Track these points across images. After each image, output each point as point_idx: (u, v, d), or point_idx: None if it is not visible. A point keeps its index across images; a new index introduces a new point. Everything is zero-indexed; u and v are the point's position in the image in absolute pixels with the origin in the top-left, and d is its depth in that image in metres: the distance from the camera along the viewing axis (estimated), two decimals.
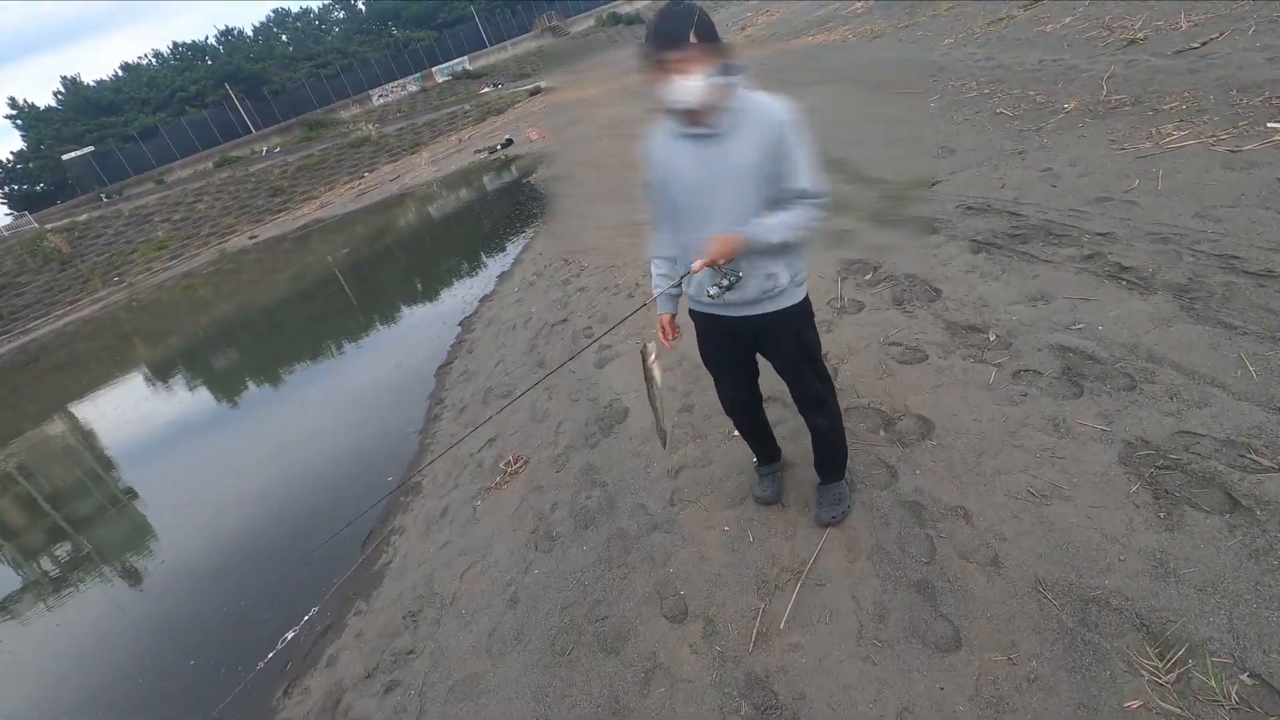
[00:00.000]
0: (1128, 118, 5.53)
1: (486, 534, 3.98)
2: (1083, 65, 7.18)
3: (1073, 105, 6.23)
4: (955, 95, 8.09)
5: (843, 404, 3.48)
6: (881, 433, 3.27)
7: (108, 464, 9.64)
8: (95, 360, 17.38)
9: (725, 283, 2.21)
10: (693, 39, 1.88)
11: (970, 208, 5.13)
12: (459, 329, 8.48)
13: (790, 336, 2.41)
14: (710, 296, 2.25)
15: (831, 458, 2.84)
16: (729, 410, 2.88)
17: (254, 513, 5.99)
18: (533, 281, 8.55)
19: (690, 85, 1.93)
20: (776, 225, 2.09)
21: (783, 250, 2.17)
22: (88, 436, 11.45)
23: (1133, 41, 7.18)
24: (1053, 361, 3.23)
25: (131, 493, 8.05)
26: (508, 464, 4.53)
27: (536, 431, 4.83)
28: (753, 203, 2.10)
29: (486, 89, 44.82)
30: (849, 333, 4.17)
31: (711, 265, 2.13)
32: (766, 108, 2.03)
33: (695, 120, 2.06)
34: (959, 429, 3.07)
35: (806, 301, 2.41)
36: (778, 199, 2.10)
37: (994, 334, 3.60)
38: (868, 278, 4.77)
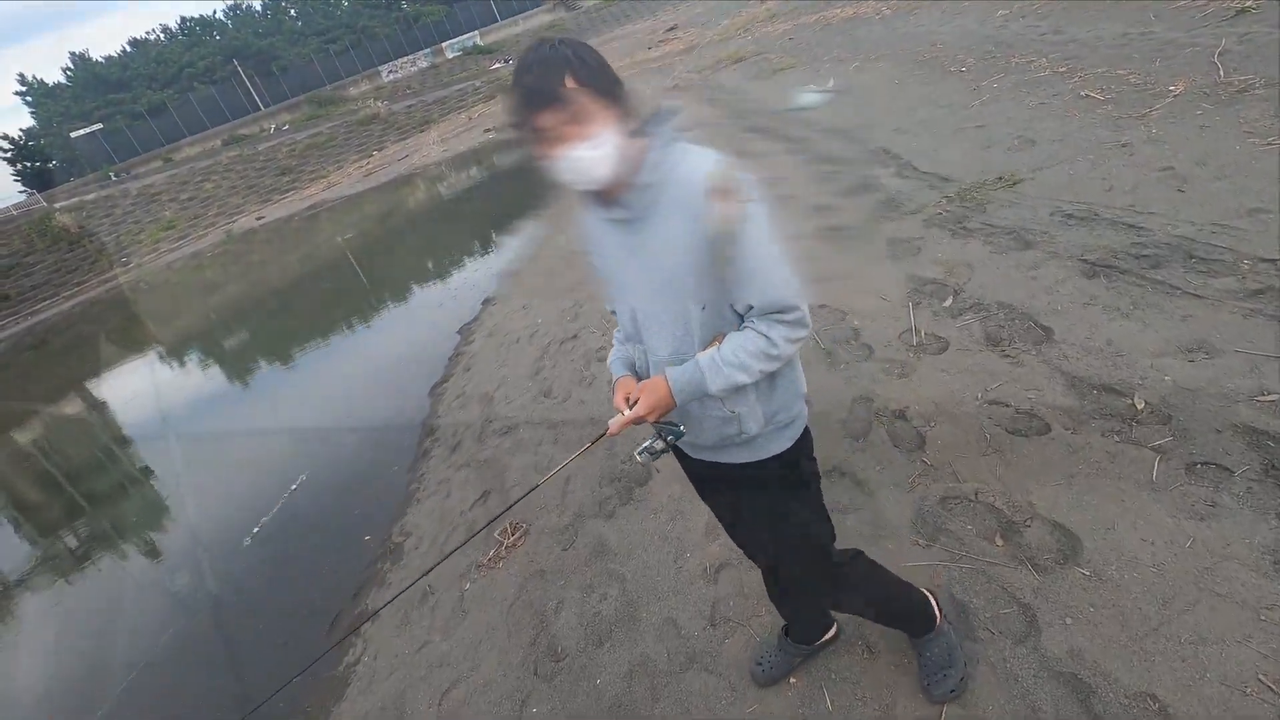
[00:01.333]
0: (1261, 103, 4.54)
1: (475, 636, 3.18)
2: (1181, 39, 6.14)
3: (1181, 88, 5.23)
4: (1021, 74, 7.07)
5: (938, 489, 2.63)
6: (999, 541, 2.41)
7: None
8: (101, 343, 16.83)
9: (659, 445, 1.57)
10: (570, 85, 1.27)
11: (1070, 216, 4.19)
12: (458, 337, 7.66)
13: (763, 506, 1.67)
14: (639, 461, 1.60)
15: (894, 625, 2.03)
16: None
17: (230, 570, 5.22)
18: (540, 284, 7.70)
19: (581, 157, 1.30)
20: (723, 363, 1.41)
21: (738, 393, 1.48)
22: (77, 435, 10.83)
23: (1243, 10, 6.12)
24: (1244, 452, 2.34)
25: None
26: (504, 533, 3.72)
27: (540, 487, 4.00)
28: (690, 317, 1.44)
29: (498, 65, 43.62)
30: (933, 382, 3.29)
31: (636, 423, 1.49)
32: (692, 183, 1.34)
33: (606, 200, 1.43)
34: (1122, 553, 2.20)
35: (797, 452, 1.61)
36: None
37: (1142, 400, 2.71)
38: (947, 304, 3.87)
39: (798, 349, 1.48)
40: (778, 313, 1.41)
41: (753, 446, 1.58)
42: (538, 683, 2.74)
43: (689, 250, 1.37)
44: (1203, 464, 2.36)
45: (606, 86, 1.34)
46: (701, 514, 3.07)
